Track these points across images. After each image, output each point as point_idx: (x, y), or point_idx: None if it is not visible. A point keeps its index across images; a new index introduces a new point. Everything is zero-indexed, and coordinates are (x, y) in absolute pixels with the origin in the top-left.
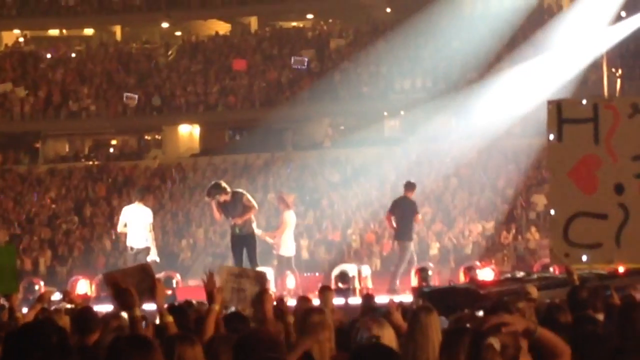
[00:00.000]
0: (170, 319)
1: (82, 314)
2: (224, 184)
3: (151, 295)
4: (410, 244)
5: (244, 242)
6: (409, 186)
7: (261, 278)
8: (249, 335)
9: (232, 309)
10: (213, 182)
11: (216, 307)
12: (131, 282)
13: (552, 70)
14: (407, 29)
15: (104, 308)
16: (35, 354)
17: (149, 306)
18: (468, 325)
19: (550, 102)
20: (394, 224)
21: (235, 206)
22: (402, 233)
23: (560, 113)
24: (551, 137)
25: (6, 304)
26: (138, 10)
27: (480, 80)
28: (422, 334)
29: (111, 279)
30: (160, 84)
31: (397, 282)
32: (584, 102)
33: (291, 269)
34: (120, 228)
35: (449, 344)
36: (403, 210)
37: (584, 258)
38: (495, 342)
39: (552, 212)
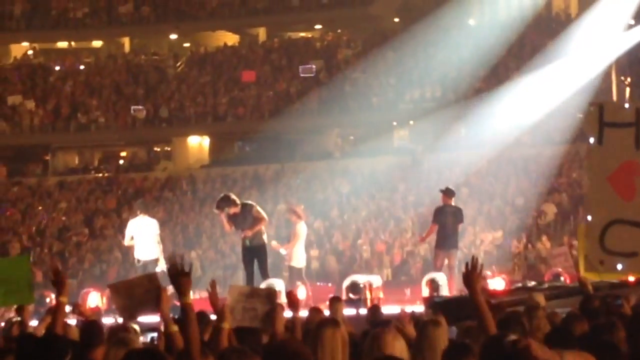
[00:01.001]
0: (175, 328)
1: (88, 327)
2: (233, 196)
3: (157, 306)
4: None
5: (254, 254)
6: (449, 192)
7: (272, 296)
8: (280, 346)
9: None
10: (222, 195)
11: (225, 325)
12: (137, 292)
13: (561, 79)
14: (415, 39)
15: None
16: None
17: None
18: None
19: (592, 104)
20: (436, 234)
21: (245, 218)
22: (454, 241)
23: (602, 116)
24: (591, 140)
25: (17, 318)
26: (146, 22)
27: (489, 89)
28: (430, 346)
29: (117, 290)
30: (169, 95)
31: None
32: (627, 106)
33: (302, 280)
34: (127, 241)
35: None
36: (451, 218)
37: (619, 267)
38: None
39: (589, 217)
